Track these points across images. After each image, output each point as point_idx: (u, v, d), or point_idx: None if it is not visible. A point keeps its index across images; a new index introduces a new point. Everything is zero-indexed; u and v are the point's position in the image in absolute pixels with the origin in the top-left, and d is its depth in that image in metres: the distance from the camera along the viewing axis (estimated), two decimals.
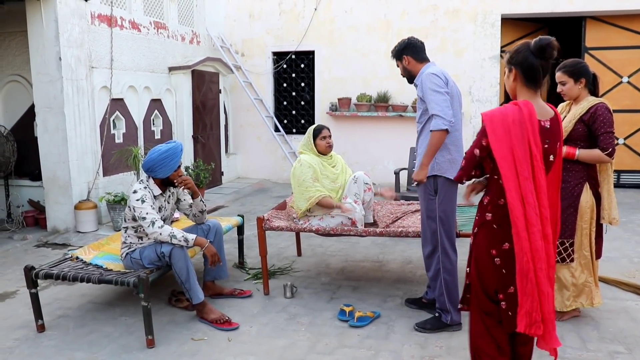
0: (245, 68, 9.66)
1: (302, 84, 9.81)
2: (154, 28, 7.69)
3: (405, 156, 6.75)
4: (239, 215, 4.94)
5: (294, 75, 9.81)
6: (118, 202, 6.08)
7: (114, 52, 6.75)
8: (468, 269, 2.58)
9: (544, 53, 2.25)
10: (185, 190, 3.96)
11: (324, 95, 9.47)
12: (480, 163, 2.41)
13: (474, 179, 2.51)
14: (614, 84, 8.49)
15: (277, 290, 4.23)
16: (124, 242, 3.76)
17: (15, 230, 6.29)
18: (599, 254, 3.57)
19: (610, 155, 3.33)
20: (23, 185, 6.72)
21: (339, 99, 9.21)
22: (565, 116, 3.50)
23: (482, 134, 2.33)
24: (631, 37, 8.41)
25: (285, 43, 9.57)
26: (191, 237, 3.58)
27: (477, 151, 2.36)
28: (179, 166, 3.75)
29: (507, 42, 8.89)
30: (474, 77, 8.73)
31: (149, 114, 7.56)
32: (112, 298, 4.16)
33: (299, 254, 5.21)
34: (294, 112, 9.95)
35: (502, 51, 8.66)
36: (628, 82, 8.48)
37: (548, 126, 2.29)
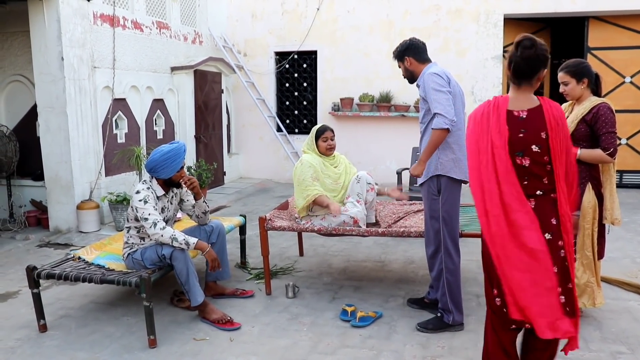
0: (247, 68, 9.66)
1: (305, 84, 9.80)
2: (157, 28, 7.70)
3: (408, 156, 6.75)
4: (241, 215, 4.95)
5: (296, 75, 9.81)
6: (120, 202, 6.09)
7: (116, 52, 6.76)
8: None
9: (518, 48, 2.34)
10: (189, 191, 3.95)
11: (326, 95, 9.47)
12: None
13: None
14: (617, 84, 8.47)
15: (279, 290, 4.23)
16: (126, 242, 3.76)
17: (18, 230, 6.30)
18: (601, 254, 3.56)
19: (612, 155, 3.32)
20: (25, 185, 6.74)
21: (341, 99, 9.21)
22: (567, 116, 3.49)
23: None
24: (634, 37, 8.39)
25: (288, 43, 9.57)
26: (192, 240, 3.57)
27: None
28: (182, 167, 3.74)
29: (510, 42, 8.87)
30: (477, 77, 8.72)
31: (151, 114, 7.57)
32: (114, 298, 4.17)
33: (301, 254, 5.21)
34: (296, 112, 9.95)
35: (504, 51, 8.65)
36: (631, 82, 8.46)
37: (524, 116, 2.32)
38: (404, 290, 4.23)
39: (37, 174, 6.60)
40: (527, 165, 2.31)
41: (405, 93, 8.71)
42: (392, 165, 8.93)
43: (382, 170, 9.08)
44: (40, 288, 3.58)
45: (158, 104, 7.74)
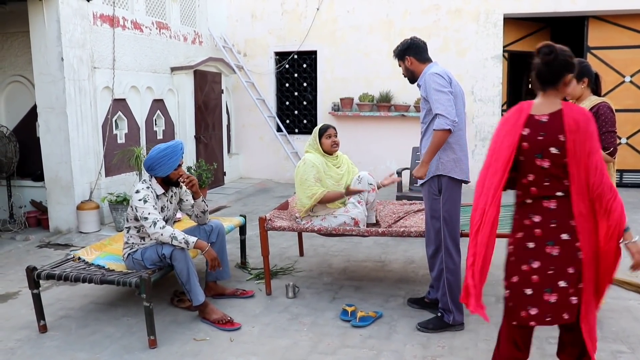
0: (247, 68, 9.66)
1: (305, 84, 9.80)
2: (156, 28, 7.70)
3: (408, 156, 6.74)
4: (241, 216, 4.95)
5: (296, 75, 9.81)
6: (120, 203, 6.09)
7: (116, 52, 6.75)
8: None
9: (538, 55, 2.39)
10: (188, 191, 3.95)
11: (326, 95, 9.46)
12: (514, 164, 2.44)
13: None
14: (617, 84, 8.47)
15: (279, 291, 4.23)
16: (126, 243, 3.76)
17: (18, 231, 6.30)
18: None
19: (612, 154, 3.33)
20: (25, 186, 6.73)
21: (341, 99, 9.21)
22: None
23: None
24: (634, 36, 8.39)
25: (288, 43, 9.57)
26: (192, 239, 3.58)
27: None
28: (180, 165, 3.74)
29: (510, 41, 8.88)
30: (477, 77, 8.71)
31: (151, 114, 7.57)
32: (114, 298, 4.17)
33: (301, 254, 5.21)
34: (296, 112, 9.95)
35: (504, 51, 8.65)
36: (630, 82, 8.46)
37: (544, 120, 2.35)
38: (404, 290, 4.23)
39: (37, 175, 6.59)
40: (546, 167, 2.34)
41: (405, 93, 8.71)
42: (392, 165, 8.92)
43: (382, 170, 9.06)
44: (40, 289, 3.58)
45: (158, 104, 7.74)
